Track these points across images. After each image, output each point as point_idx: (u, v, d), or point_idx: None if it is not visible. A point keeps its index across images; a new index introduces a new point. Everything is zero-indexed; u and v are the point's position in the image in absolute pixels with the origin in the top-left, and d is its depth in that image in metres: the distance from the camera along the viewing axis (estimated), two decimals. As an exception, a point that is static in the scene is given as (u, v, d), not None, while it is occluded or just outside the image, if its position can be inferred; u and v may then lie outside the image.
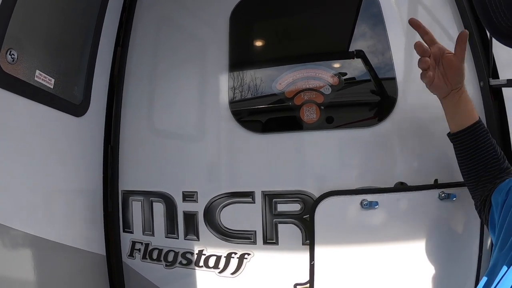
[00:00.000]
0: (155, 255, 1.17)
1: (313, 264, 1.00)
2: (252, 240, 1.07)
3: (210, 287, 1.12)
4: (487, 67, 1.00)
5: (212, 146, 1.15)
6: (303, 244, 1.04)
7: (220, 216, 1.10)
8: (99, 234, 1.18)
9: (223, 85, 1.15)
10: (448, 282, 0.97)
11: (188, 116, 1.19)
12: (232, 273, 1.10)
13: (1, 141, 0.79)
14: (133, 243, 1.20)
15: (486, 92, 1.00)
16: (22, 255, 0.85)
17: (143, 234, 1.19)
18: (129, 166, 1.22)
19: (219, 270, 1.11)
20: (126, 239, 1.21)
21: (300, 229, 1.04)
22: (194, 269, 1.13)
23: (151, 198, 1.17)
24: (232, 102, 1.13)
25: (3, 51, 0.77)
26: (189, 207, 1.13)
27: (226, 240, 1.10)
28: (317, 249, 1.00)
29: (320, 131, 1.07)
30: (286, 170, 1.08)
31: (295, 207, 1.05)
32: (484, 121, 0.97)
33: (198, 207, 1.12)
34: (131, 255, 1.21)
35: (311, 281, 1.01)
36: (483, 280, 0.69)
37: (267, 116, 1.14)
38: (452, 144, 0.88)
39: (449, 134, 0.88)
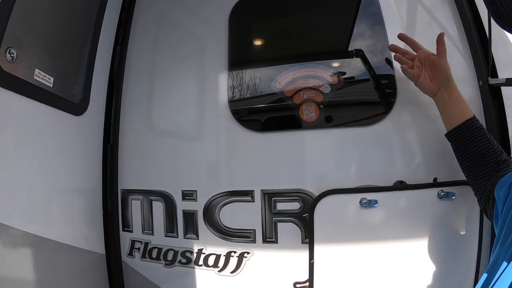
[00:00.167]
0: (154, 254, 1.17)
1: (313, 262, 1.00)
2: (252, 239, 1.08)
3: (210, 286, 1.12)
4: (486, 66, 1.00)
5: (212, 145, 1.15)
6: (302, 242, 1.04)
7: (219, 215, 1.10)
8: (98, 233, 1.18)
9: (223, 84, 1.15)
10: (447, 280, 0.97)
11: (188, 115, 1.19)
12: (232, 272, 1.10)
13: (0, 140, 0.79)
14: (133, 242, 1.20)
15: (485, 91, 1.00)
16: (21, 254, 0.85)
17: (142, 233, 1.19)
18: (129, 165, 1.22)
19: (218, 269, 1.11)
20: (125, 238, 1.21)
21: (300, 227, 1.05)
22: (194, 268, 1.13)
23: (150, 197, 1.17)
24: (231, 101, 1.13)
25: (2, 50, 0.77)
26: (189, 206, 1.13)
27: (226, 239, 1.10)
28: (317, 248, 1.00)
29: (319, 130, 1.07)
30: (286, 169, 1.08)
31: (295, 205, 1.05)
32: (483, 119, 0.98)
33: (198, 206, 1.12)
34: (130, 254, 1.21)
35: (310, 279, 1.01)
36: (484, 276, 0.69)
37: (266, 115, 1.14)
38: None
39: (445, 134, 0.91)
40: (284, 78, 1.10)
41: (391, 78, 1.05)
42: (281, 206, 1.06)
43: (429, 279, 0.96)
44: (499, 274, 0.64)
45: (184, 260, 1.14)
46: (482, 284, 0.69)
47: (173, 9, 1.29)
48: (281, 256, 1.06)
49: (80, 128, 1.10)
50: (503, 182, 0.75)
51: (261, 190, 1.07)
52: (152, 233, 1.17)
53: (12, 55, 0.80)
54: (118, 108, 1.24)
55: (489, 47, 0.98)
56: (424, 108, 1.00)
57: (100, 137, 1.21)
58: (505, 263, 0.63)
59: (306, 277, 1.02)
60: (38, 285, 0.88)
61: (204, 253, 1.12)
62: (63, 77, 1.00)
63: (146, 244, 1.18)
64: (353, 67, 1.09)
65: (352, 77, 1.09)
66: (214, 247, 1.11)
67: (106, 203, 1.21)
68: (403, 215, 1.00)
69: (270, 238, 1.07)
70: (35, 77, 0.89)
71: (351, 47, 1.10)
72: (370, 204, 0.97)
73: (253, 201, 1.07)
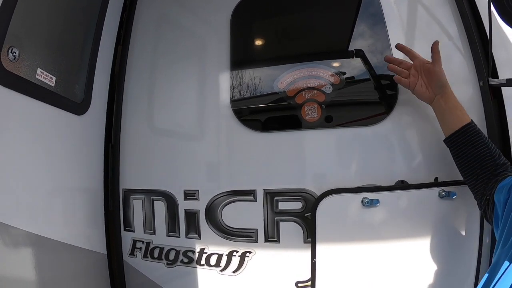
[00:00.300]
0: (156, 254, 1.17)
1: (315, 262, 1.00)
2: (254, 238, 1.08)
3: (212, 286, 1.12)
4: (486, 67, 1.01)
5: (214, 145, 1.15)
6: (304, 242, 1.04)
7: (221, 214, 1.10)
8: (100, 232, 1.18)
9: (225, 84, 1.15)
10: (448, 279, 0.98)
11: (190, 115, 1.19)
12: (234, 272, 1.10)
13: (1, 138, 0.78)
14: (134, 241, 1.20)
15: (485, 92, 1.01)
16: (22, 253, 0.84)
17: (144, 233, 1.19)
18: (130, 165, 1.22)
19: (220, 269, 1.11)
20: (127, 238, 1.21)
21: (302, 227, 1.05)
22: (196, 267, 1.13)
23: (152, 197, 1.17)
24: (233, 101, 1.13)
25: (4, 49, 0.77)
26: (191, 205, 1.13)
27: (228, 239, 1.10)
28: (319, 247, 1.00)
29: (321, 129, 1.08)
30: (288, 169, 1.08)
31: (297, 205, 1.05)
32: (483, 119, 0.99)
33: (200, 206, 1.12)
34: (132, 253, 1.20)
35: (312, 279, 1.01)
36: (485, 276, 0.69)
37: (268, 114, 1.14)
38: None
39: (444, 140, 0.92)
40: (286, 78, 1.10)
41: (392, 79, 1.05)
42: (283, 206, 1.06)
43: (430, 278, 0.97)
44: (500, 274, 0.64)
45: (186, 260, 1.14)
46: (483, 284, 0.69)
47: (175, 8, 1.29)
48: (283, 255, 1.06)
49: (82, 127, 1.10)
50: (503, 186, 0.76)
51: (263, 189, 1.07)
52: (154, 233, 1.17)
53: (14, 54, 0.80)
54: (120, 108, 1.24)
55: (490, 47, 0.98)
56: (425, 108, 1.01)
57: (102, 136, 1.21)
58: (506, 264, 0.64)
59: (308, 276, 1.03)
60: (39, 285, 0.88)
61: (206, 253, 1.12)
62: (65, 76, 1.00)
63: (148, 243, 1.18)
64: (355, 67, 1.09)
65: (354, 77, 1.09)
66: (216, 247, 1.11)
67: (108, 202, 1.21)
68: (404, 214, 1.00)
69: (272, 237, 1.07)
70: (37, 76, 0.89)
71: (353, 47, 1.10)
72: (372, 203, 0.98)
73: (255, 201, 1.07)
